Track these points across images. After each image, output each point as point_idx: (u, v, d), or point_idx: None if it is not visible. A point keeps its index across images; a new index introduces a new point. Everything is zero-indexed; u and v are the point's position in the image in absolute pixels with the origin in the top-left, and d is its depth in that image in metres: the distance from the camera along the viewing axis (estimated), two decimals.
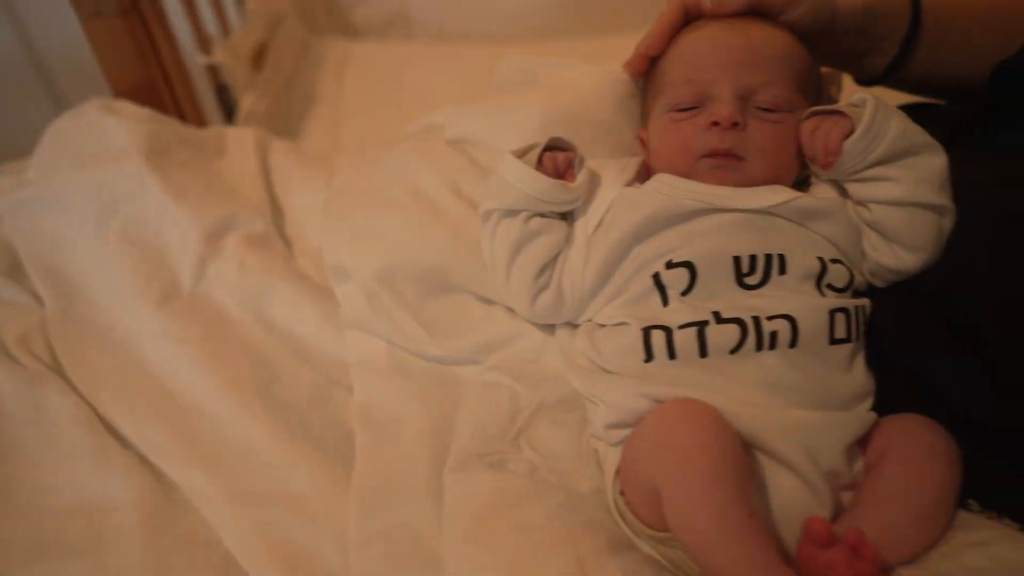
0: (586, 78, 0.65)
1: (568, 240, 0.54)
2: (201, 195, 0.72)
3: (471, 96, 1.26)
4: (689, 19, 0.57)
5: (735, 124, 0.50)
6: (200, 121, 1.02)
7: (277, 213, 0.77)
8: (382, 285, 0.60)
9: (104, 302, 0.68)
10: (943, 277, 0.48)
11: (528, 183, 0.53)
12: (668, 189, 0.51)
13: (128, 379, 0.64)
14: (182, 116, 0.93)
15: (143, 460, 0.59)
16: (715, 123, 0.50)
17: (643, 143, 0.59)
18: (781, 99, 0.51)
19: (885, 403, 0.49)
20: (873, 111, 0.47)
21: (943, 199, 0.48)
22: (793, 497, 0.43)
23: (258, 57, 1.18)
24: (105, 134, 0.73)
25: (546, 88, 0.66)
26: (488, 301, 0.61)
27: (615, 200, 0.53)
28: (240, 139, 0.82)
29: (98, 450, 0.59)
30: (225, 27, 1.15)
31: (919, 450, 0.45)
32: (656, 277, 0.49)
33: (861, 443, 0.47)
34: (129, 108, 0.76)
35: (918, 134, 0.49)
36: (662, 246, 0.50)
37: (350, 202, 0.67)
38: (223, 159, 0.80)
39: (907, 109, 0.68)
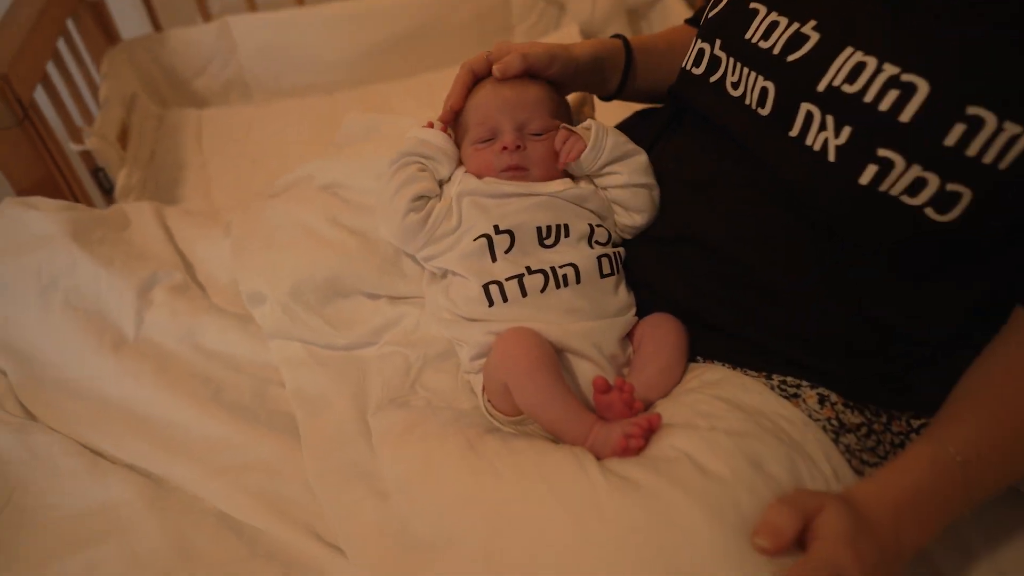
0: (409, 125, 0.87)
1: (439, 196, 0.76)
2: (124, 261, 0.86)
3: (314, 140, 1.44)
4: (477, 79, 0.80)
5: (518, 147, 0.73)
6: (87, 203, 1.13)
7: (187, 265, 0.92)
8: (294, 299, 0.78)
9: (60, 361, 0.81)
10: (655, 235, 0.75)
11: (432, 136, 0.76)
12: (494, 181, 0.74)
13: (99, 413, 0.77)
14: (77, 201, 1.04)
15: (131, 468, 0.75)
16: (505, 148, 0.74)
17: (461, 162, 0.81)
18: (544, 126, 0.75)
19: (642, 308, 0.74)
20: (596, 134, 0.72)
21: (648, 179, 0.73)
22: (590, 374, 0.66)
23: (122, 136, 1.30)
24: (29, 225, 0.86)
25: (388, 137, 0.87)
26: (374, 296, 0.81)
27: (463, 178, 0.75)
28: (139, 211, 0.96)
29: (91, 468, 0.73)
30: (88, 116, 1.26)
31: (660, 332, 0.70)
32: (488, 237, 0.70)
33: (630, 336, 0.72)
34: (44, 201, 0.88)
35: (626, 143, 0.73)
36: (489, 216, 0.71)
37: (253, 246, 0.84)
38: (129, 230, 0.94)
39: (637, 113, 0.96)
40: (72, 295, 0.83)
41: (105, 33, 1.46)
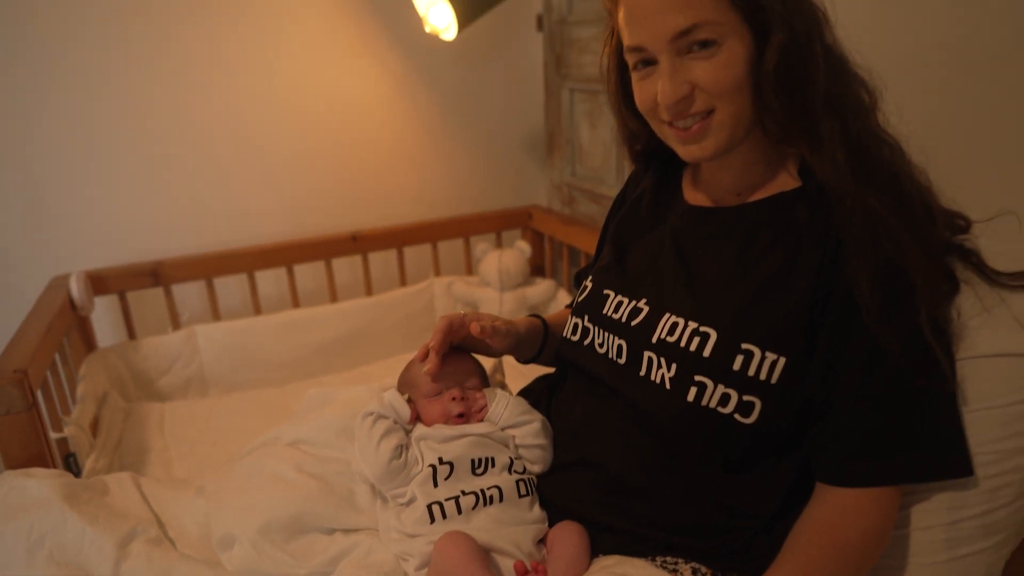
0: (362, 393, 1.08)
1: (408, 445, 0.91)
2: (107, 519, 0.96)
3: (268, 426, 1.60)
4: (454, 331, 0.97)
5: (463, 399, 0.95)
6: None
7: (160, 523, 1.03)
8: (263, 536, 0.90)
9: None
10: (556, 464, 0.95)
11: (400, 406, 0.93)
12: (439, 426, 0.92)
13: None
14: None
15: None
16: (453, 398, 0.95)
17: (414, 409, 0.99)
18: (475, 384, 0.98)
19: (552, 519, 0.91)
20: (497, 403, 0.94)
21: (539, 440, 0.93)
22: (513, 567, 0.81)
23: (94, 426, 1.43)
24: (27, 491, 0.97)
25: (341, 404, 1.07)
26: (329, 531, 0.93)
27: (417, 427, 0.93)
28: (118, 479, 1.08)
29: None
30: (66, 408, 1.40)
31: (566, 535, 0.85)
32: (433, 467, 0.87)
33: (543, 540, 0.87)
34: (40, 471, 1.00)
35: (523, 413, 0.94)
36: (435, 451, 0.89)
37: (227, 494, 0.98)
38: (110, 495, 1.05)
39: (537, 378, 1.20)
40: (56, 551, 0.92)
41: (85, 342, 1.66)
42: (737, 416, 0.80)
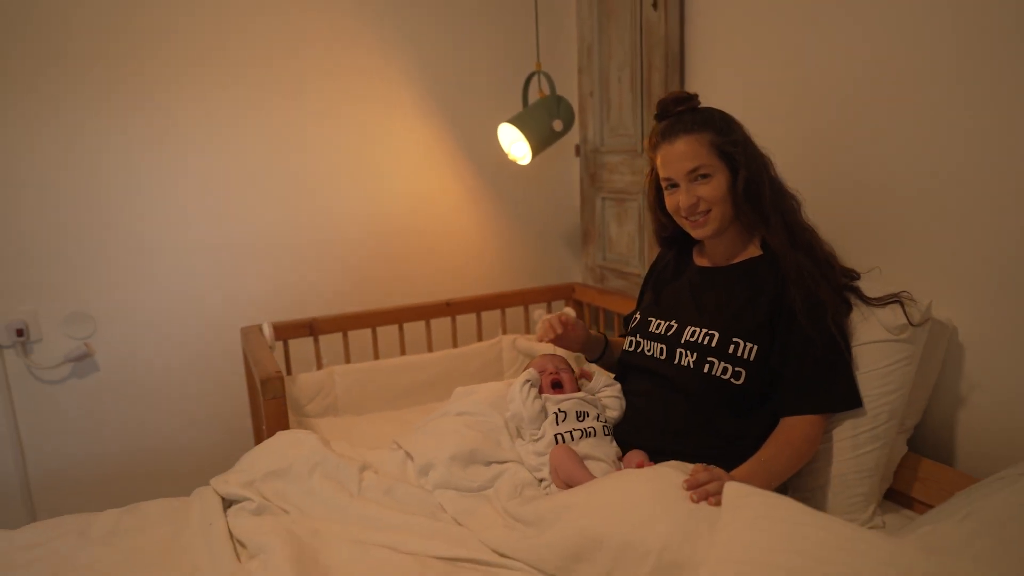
0: (496, 386, 1.65)
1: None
2: (347, 458, 1.53)
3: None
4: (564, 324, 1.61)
5: (555, 373, 1.53)
6: None
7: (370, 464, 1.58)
8: (452, 462, 1.45)
9: (312, 510, 1.42)
10: (624, 420, 1.52)
11: (536, 379, 1.51)
12: (557, 395, 1.50)
13: (348, 525, 1.37)
14: None
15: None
16: (549, 373, 1.53)
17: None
18: (567, 370, 1.56)
19: (624, 449, 1.47)
20: (597, 375, 1.53)
21: (620, 395, 1.51)
22: (602, 469, 1.36)
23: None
24: (300, 438, 1.53)
25: (485, 390, 1.65)
26: (487, 463, 1.48)
27: (546, 394, 1.51)
28: (335, 443, 1.65)
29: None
30: None
31: (635, 453, 1.42)
32: (555, 414, 1.42)
33: (620, 460, 1.44)
34: (304, 429, 1.57)
35: (609, 378, 1.55)
36: (556, 405, 1.44)
37: (422, 441, 1.54)
38: (336, 448, 1.61)
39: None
40: (324, 472, 1.48)
41: None
42: (732, 380, 1.38)
